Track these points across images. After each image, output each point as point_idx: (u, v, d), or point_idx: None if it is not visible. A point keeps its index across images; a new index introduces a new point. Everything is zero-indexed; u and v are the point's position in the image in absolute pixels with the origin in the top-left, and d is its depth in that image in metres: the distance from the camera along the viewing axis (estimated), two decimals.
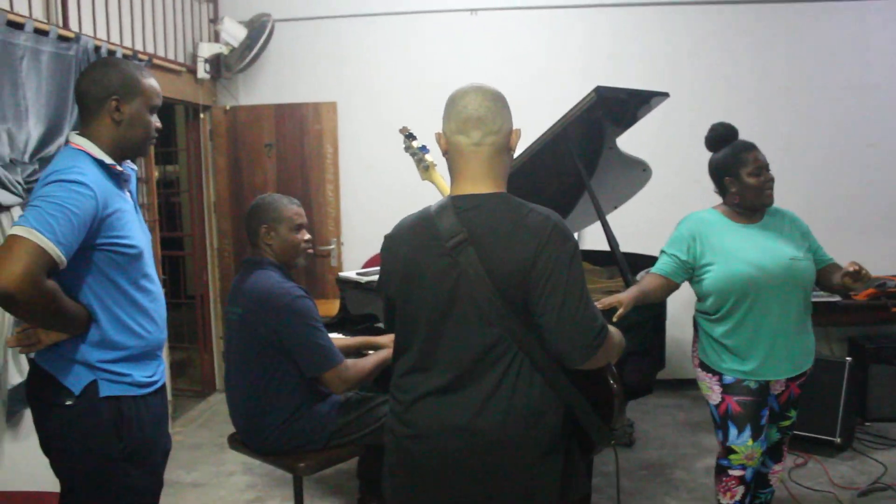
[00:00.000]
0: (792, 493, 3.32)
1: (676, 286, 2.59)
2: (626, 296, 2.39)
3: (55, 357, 1.85)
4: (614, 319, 2.32)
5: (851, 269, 2.31)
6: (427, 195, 2.95)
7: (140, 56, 3.90)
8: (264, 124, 4.97)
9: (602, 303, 2.36)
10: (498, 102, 1.72)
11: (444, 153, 1.76)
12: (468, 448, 1.66)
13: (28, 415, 2.12)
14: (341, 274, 3.54)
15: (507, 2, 4.87)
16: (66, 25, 3.37)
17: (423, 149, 2.91)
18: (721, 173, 2.58)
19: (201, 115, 4.86)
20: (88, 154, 1.86)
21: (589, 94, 2.70)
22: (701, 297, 2.57)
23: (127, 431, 1.90)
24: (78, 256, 1.77)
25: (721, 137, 2.63)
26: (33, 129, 3.02)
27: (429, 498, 1.72)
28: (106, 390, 1.87)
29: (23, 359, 2.80)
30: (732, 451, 2.51)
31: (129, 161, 2.00)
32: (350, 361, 2.42)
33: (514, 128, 1.75)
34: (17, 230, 1.65)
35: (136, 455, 1.93)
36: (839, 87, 4.77)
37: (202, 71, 4.68)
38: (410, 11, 4.89)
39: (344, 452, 2.55)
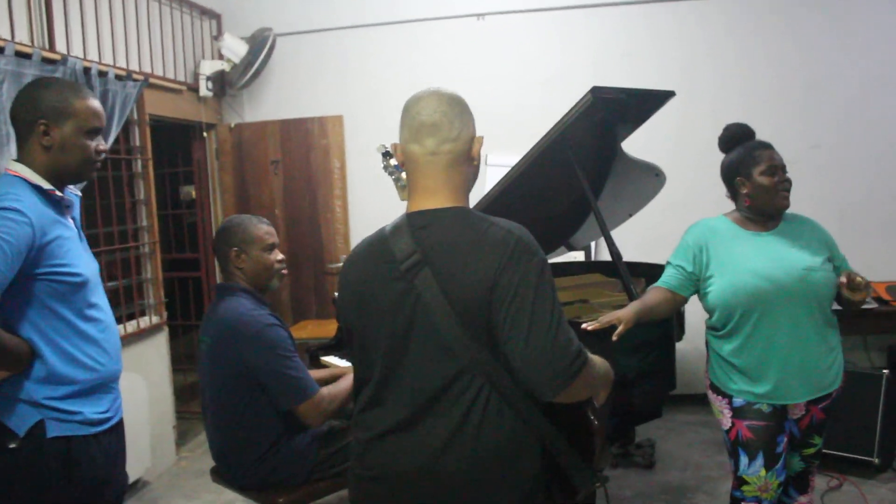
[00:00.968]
0: None
1: (684, 300, 2.38)
2: (627, 312, 2.20)
3: None
4: (613, 338, 2.14)
5: (844, 279, 2.14)
6: None
7: (135, 76, 3.82)
8: (270, 141, 4.87)
9: (600, 321, 2.17)
10: (455, 106, 1.56)
11: (401, 165, 1.61)
12: (432, 492, 1.49)
13: None
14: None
15: (515, 4, 4.69)
16: (52, 47, 3.31)
17: (400, 167, 2.75)
18: (732, 174, 2.37)
19: (204, 134, 4.78)
20: (25, 180, 1.75)
21: (585, 96, 2.53)
22: (708, 312, 2.36)
23: (78, 474, 1.78)
24: (16, 287, 1.66)
25: (735, 137, 2.43)
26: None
27: None
28: (54, 430, 1.75)
29: None
30: (745, 482, 2.28)
31: (72, 186, 1.89)
32: (325, 390, 2.27)
33: (477, 134, 1.59)
34: None
35: (86, 497, 1.80)
36: (871, 82, 4.43)
37: (204, 89, 4.61)
38: (415, 19, 4.76)
39: (327, 486, 2.40)
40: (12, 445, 1.73)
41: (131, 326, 3.87)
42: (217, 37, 4.76)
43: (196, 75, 4.63)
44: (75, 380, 1.78)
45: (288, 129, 4.85)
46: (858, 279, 2.12)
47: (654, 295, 2.35)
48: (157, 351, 4.11)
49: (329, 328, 4.17)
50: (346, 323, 1.63)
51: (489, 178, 4.26)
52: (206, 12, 4.79)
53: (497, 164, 4.38)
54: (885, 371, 3.56)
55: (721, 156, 2.47)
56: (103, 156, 1.89)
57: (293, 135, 4.86)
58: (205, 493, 3.75)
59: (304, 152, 4.87)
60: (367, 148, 4.83)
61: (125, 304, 3.88)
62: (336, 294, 3.21)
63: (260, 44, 4.58)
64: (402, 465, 1.50)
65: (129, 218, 4.02)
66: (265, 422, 2.26)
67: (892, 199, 4.46)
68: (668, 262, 2.42)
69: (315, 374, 2.47)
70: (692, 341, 3.26)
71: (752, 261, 2.24)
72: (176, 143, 4.99)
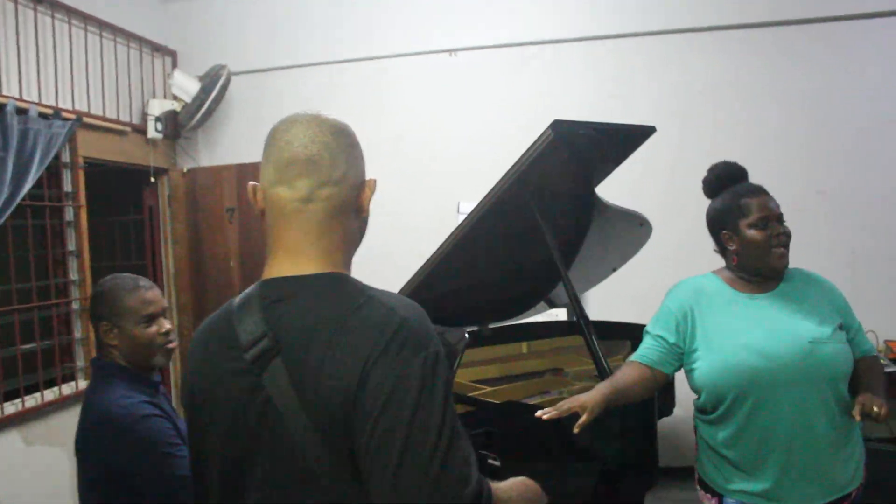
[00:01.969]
0: None
1: (665, 378, 1.93)
2: (593, 397, 1.76)
3: None
4: (574, 430, 1.70)
5: (857, 408, 1.70)
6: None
7: (65, 115, 3.45)
8: (225, 186, 4.48)
9: (558, 407, 1.74)
10: (340, 137, 1.15)
11: (261, 214, 1.19)
12: None
13: None
14: None
15: (489, 39, 4.32)
16: None
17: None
18: (717, 226, 1.95)
19: (153, 179, 4.39)
20: None
21: (545, 132, 2.13)
22: (695, 392, 1.91)
23: None
24: None
25: (720, 179, 2.01)
26: None
27: None
28: None
29: None
30: None
31: None
32: None
33: (368, 178, 1.18)
34: None
35: None
36: (881, 121, 3.98)
37: (153, 130, 4.24)
38: (382, 56, 4.41)
39: None
40: None
41: (52, 394, 3.42)
42: (169, 75, 4.41)
43: (144, 115, 4.26)
44: None
45: (245, 173, 4.46)
46: (875, 409, 1.69)
47: (628, 372, 1.90)
48: None
49: None
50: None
51: None
52: (159, 49, 4.45)
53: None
54: None
55: None
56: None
57: (251, 179, 4.44)
58: None
59: None
60: None
61: (42, 369, 3.42)
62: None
63: (212, 81, 4.23)
64: None
65: (57, 271, 3.60)
66: None
67: None
68: (646, 332, 1.98)
69: None
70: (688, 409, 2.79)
71: (745, 332, 1.79)
72: (126, 189, 4.60)
